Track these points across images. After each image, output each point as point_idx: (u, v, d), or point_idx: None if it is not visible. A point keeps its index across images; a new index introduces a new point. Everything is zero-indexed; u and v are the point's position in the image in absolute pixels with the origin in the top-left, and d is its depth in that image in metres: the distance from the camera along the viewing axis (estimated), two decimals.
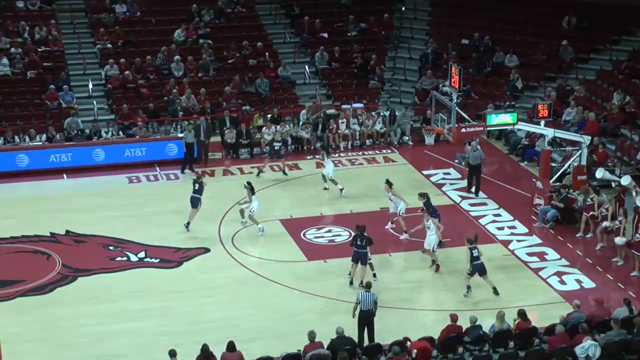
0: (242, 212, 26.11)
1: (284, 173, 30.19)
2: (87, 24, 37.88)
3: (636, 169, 28.68)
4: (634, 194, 25.01)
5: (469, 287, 22.26)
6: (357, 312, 19.86)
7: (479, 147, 28.57)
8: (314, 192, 28.73)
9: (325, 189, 28.60)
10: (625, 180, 26.00)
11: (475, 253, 22.13)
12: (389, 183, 25.62)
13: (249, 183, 26.19)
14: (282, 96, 35.42)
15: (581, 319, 19.30)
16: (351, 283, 22.70)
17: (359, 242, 22.50)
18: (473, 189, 28.62)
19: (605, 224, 24.54)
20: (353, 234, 23.20)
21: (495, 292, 22.24)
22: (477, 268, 22.18)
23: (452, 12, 39.90)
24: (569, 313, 19.87)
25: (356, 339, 19.34)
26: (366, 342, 19.60)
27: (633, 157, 29.29)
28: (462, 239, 22.99)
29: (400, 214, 25.38)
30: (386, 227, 25.94)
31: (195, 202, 25.96)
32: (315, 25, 38.55)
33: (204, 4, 38.47)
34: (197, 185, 26.05)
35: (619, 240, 24.05)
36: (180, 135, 31.43)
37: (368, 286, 20.10)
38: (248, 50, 36.95)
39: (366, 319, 19.83)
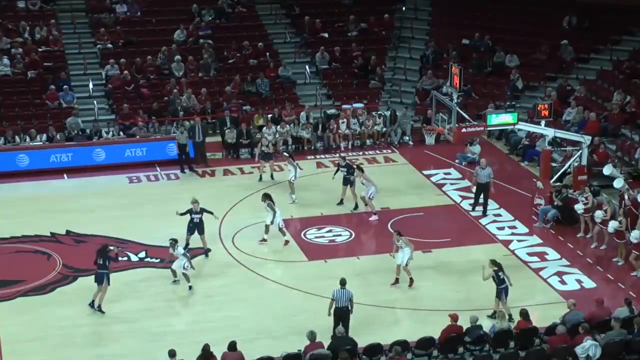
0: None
1: (271, 177, 29.64)
2: (87, 24, 37.88)
3: (636, 170, 28.68)
4: (626, 196, 24.96)
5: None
6: (332, 310, 20.12)
7: (488, 166, 27.06)
8: (315, 192, 28.70)
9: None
10: (618, 183, 26.07)
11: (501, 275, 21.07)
12: (360, 169, 27.03)
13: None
14: (282, 96, 35.40)
15: (576, 316, 19.30)
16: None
17: (100, 262, 21.63)
18: (478, 209, 27.19)
19: (613, 225, 24.17)
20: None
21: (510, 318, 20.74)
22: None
23: (453, 12, 39.86)
24: (565, 314, 19.82)
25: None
26: None
27: (633, 157, 29.28)
28: (462, 239, 22.98)
29: (370, 197, 26.52)
30: (370, 218, 26.71)
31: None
32: (315, 25, 38.53)
33: (204, 4, 38.46)
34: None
35: (613, 225, 24.03)
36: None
37: (343, 283, 20.32)
38: (248, 50, 36.93)
39: (341, 315, 20.10)
